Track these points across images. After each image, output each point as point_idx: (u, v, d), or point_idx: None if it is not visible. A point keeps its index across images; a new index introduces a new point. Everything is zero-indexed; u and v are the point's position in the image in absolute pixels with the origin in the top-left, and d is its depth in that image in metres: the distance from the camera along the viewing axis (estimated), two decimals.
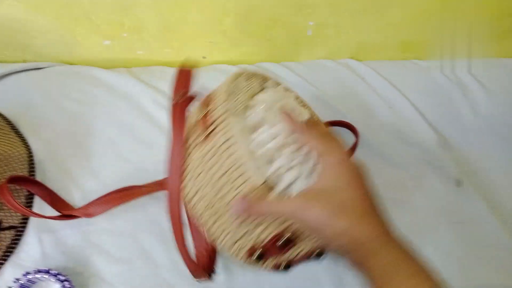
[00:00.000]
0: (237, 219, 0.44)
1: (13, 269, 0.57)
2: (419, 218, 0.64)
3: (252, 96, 0.50)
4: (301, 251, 0.47)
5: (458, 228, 0.63)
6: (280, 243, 0.44)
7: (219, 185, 0.44)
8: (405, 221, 0.62)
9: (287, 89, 0.55)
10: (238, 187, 0.43)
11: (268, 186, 0.42)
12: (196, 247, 0.52)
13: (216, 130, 0.44)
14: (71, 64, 0.77)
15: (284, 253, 0.46)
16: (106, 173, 0.65)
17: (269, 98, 0.49)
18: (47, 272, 0.55)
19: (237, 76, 0.50)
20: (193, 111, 0.49)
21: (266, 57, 0.80)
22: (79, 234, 0.60)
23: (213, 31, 0.75)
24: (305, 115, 0.50)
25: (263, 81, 0.53)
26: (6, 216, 0.60)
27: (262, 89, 0.52)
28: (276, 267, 0.47)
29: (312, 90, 0.76)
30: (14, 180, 0.56)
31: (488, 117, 0.75)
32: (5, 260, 0.58)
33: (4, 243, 0.58)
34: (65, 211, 0.59)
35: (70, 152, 0.67)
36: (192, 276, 0.51)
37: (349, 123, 0.69)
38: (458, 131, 0.73)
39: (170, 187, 0.47)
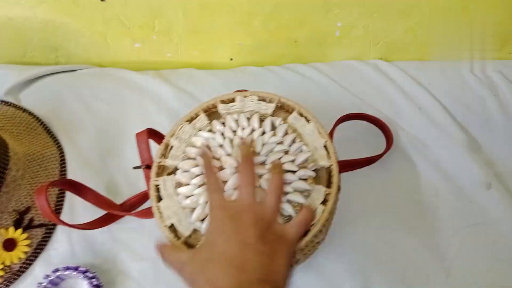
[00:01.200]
0: None
1: (43, 266, 0.59)
2: (446, 220, 0.62)
3: (187, 142, 0.53)
4: None
5: (484, 230, 0.61)
6: None
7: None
8: (432, 223, 0.62)
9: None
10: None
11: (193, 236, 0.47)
12: None
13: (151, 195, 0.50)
14: (101, 66, 0.79)
15: None
16: (136, 174, 0.65)
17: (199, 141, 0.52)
18: (75, 269, 0.56)
19: (181, 121, 0.54)
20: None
21: (293, 59, 0.79)
22: (107, 233, 0.61)
23: (241, 33, 0.75)
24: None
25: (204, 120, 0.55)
26: (38, 214, 0.61)
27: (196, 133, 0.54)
28: None
29: (340, 91, 0.75)
30: (55, 184, 0.57)
31: None
32: (35, 257, 0.60)
33: (35, 240, 0.60)
34: (111, 209, 0.60)
35: (101, 151, 0.68)
36: None
37: (383, 122, 0.69)
38: (488, 133, 0.70)
39: None
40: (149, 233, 0.61)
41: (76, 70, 0.78)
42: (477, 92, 0.75)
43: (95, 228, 0.59)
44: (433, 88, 0.75)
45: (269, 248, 0.41)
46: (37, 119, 0.70)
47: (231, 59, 0.80)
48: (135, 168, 0.57)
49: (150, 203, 0.49)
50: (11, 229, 0.59)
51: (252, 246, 0.40)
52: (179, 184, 0.49)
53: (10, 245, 0.58)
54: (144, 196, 0.62)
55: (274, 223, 0.44)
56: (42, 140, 0.67)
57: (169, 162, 0.51)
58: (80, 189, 0.60)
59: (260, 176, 0.48)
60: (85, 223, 0.59)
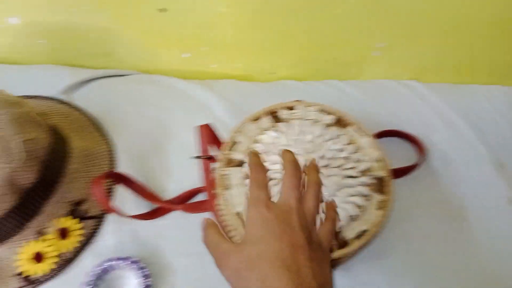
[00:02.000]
0: None
1: (92, 256, 0.62)
2: (473, 235, 0.66)
3: (254, 140, 0.57)
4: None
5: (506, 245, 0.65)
6: None
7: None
8: (460, 238, 0.65)
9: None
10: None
11: None
12: None
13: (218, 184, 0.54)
14: (148, 73, 0.83)
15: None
16: (180, 173, 0.70)
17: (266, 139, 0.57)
18: (125, 259, 0.59)
19: (246, 120, 0.60)
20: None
21: (331, 75, 0.83)
22: (154, 227, 0.64)
23: (284, 49, 0.79)
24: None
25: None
26: (90, 206, 0.64)
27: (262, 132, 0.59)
28: None
29: (375, 108, 0.78)
30: (110, 175, 0.61)
31: None
32: (86, 247, 0.62)
33: (87, 231, 0.63)
34: (159, 203, 0.63)
35: (148, 151, 0.72)
36: None
37: (416, 137, 0.73)
38: None
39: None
40: (195, 229, 0.63)
41: (125, 75, 0.82)
42: (506, 116, 0.79)
43: (145, 219, 0.63)
44: (465, 109, 0.79)
45: (317, 255, 0.41)
46: (89, 118, 0.74)
47: (273, 73, 0.84)
48: (194, 158, 0.61)
49: (205, 196, 0.53)
50: (67, 218, 0.62)
51: (303, 250, 0.40)
52: (247, 176, 0.53)
53: (64, 234, 0.62)
54: (191, 193, 0.65)
55: (315, 229, 0.45)
56: (94, 138, 0.71)
57: (236, 155, 0.55)
58: (130, 183, 0.64)
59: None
60: (135, 214, 0.62)
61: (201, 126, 0.62)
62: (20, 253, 0.58)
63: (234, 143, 0.58)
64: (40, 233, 0.59)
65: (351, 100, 0.80)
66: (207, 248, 0.46)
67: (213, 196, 0.57)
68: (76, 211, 0.63)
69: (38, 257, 0.59)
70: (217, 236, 0.46)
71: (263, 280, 0.38)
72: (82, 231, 0.62)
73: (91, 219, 0.64)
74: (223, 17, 0.73)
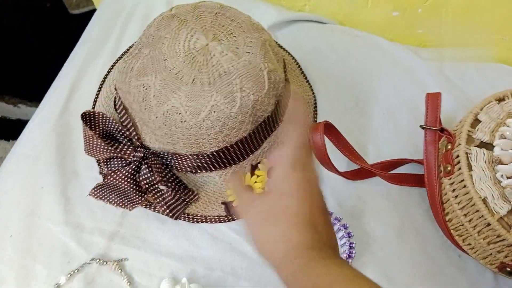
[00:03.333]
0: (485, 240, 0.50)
1: None
2: None
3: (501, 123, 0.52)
4: None
5: None
6: None
7: (462, 214, 0.51)
8: None
9: None
10: (478, 219, 0.49)
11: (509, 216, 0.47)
12: None
13: (456, 168, 0.51)
14: (351, 24, 0.79)
15: None
16: (380, 138, 0.66)
17: None
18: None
19: (490, 98, 0.54)
20: (442, 141, 0.56)
21: None
22: (354, 189, 0.62)
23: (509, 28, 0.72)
24: None
25: None
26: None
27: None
28: None
29: None
30: (326, 125, 0.59)
31: None
32: None
33: None
34: (366, 166, 0.60)
35: (348, 107, 0.69)
36: None
37: None
38: None
39: (431, 201, 0.56)
40: (395, 201, 0.61)
41: (324, 23, 0.79)
42: None
43: (347, 178, 0.61)
44: None
45: (331, 223, 0.41)
46: (295, 60, 0.72)
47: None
48: (422, 127, 0.57)
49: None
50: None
51: (324, 215, 0.40)
52: (498, 161, 0.49)
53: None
54: (396, 163, 0.62)
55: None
56: (302, 83, 0.69)
57: (479, 135, 0.51)
58: (340, 138, 0.61)
59: None
60: (342, 171, 0.60)
61: (431, 94, 0.58)
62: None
63: (476, 121, 0.53)
64: (254, 167, 0.59)
65: None
66: (236, 195, 0.45)
67: (435, 173, 0.54)
68: None
69: None
70: (241, 182, 0.45)
71: (283, 234, 0.38)
72: None
73: None
74: None
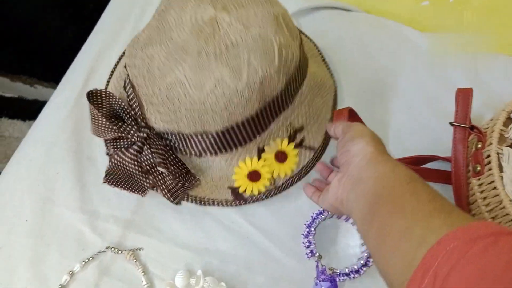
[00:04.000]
0: None
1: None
2: None
3: None
4: None
5: None
6: None
7: (489, 216, 0.50)
8: None
9: None
10: (507, 222, 0.48)
11: None
12: None
13: (486, 168, 0.49)
14: (372, 13, 0.76)
15: None
16: (402, 132, 0.64)
17: None
18: None
19: None
20: (471, 139, 0.54)
21: None
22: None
23: None
24: None
25: None
26: (309, 136, 0.61)
27: None
28: None
29: None
30: (350, 111, 0.57)
31: None
32: (299, 178, 0.60)
33: (302, 162, 0.60)
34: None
35: (370, 98, 0.66)
36: None
37: None
38: None
39: (457, 201, 0.54)
40: None
41: (350, 10, 0.76)
42: None
43: None
44: None
45: None
46: (317, 47, 0.70)
47: None
48: (452, 124, 0.55)
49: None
50: (285, 141, 0.58)
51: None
52: None
53: (281, 158, 0.59)
54: (422, 159, 0.60)
55: None
56: (321, 69, 0.67)
57: None
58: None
59: None
60: None
61: (462, 89, 0.55)
62: (239, 167, 0.57)
63: (508, 119, 0.51)
64: (260, 151, 0.57)
65: None
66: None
67: (463, 172, 0.51)
68: (294, 137, 0.60)
69: (253, 176, 0.58)
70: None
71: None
72: (296, 159, 0.59)
73: (309, 149, 0.61)
74: None
